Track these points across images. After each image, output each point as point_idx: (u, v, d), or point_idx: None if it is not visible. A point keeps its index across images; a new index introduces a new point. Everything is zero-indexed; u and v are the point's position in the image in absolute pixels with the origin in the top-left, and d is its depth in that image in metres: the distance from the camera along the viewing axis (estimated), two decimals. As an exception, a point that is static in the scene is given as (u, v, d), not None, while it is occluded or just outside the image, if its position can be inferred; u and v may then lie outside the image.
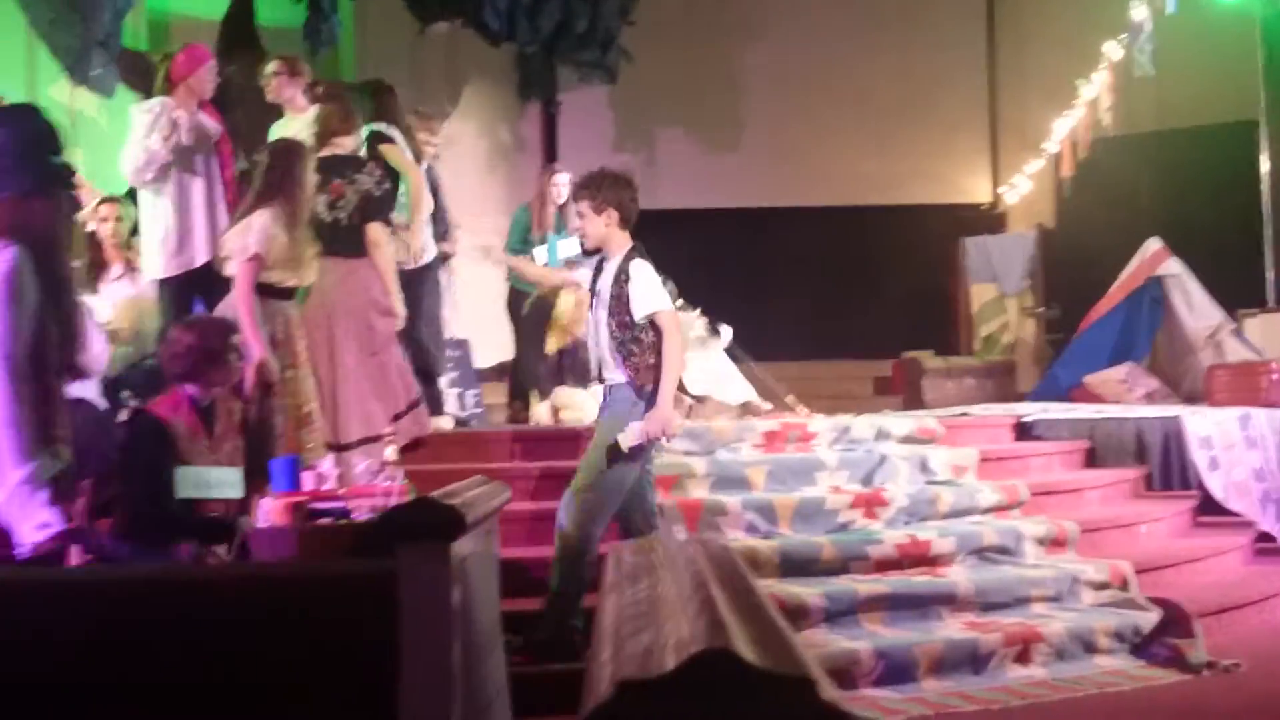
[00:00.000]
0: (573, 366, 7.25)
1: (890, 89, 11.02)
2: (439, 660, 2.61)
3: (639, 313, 4.75)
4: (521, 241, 7.66)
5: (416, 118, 7.25)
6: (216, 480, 4.61)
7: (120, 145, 9.69)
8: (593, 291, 4.96)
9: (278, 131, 6.56)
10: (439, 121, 7.34)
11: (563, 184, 7.54)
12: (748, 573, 1.70)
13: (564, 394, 7.01)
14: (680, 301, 7.48)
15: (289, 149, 5.63)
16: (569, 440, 6.34)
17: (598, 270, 4.97)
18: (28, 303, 3.05)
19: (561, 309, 7.21)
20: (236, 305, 5.24)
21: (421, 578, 2.64)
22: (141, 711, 2.64)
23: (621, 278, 4.79)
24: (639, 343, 4.77)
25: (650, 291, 4.78)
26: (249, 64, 8.60)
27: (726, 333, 7.55)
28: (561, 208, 7.55)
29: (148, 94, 9.03)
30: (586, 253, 5.25)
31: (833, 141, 10.93)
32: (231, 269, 5.35)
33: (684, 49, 10.72)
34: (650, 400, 4.76)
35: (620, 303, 4.78)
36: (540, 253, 7.45)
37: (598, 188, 4.81)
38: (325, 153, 5.90)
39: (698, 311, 7.61)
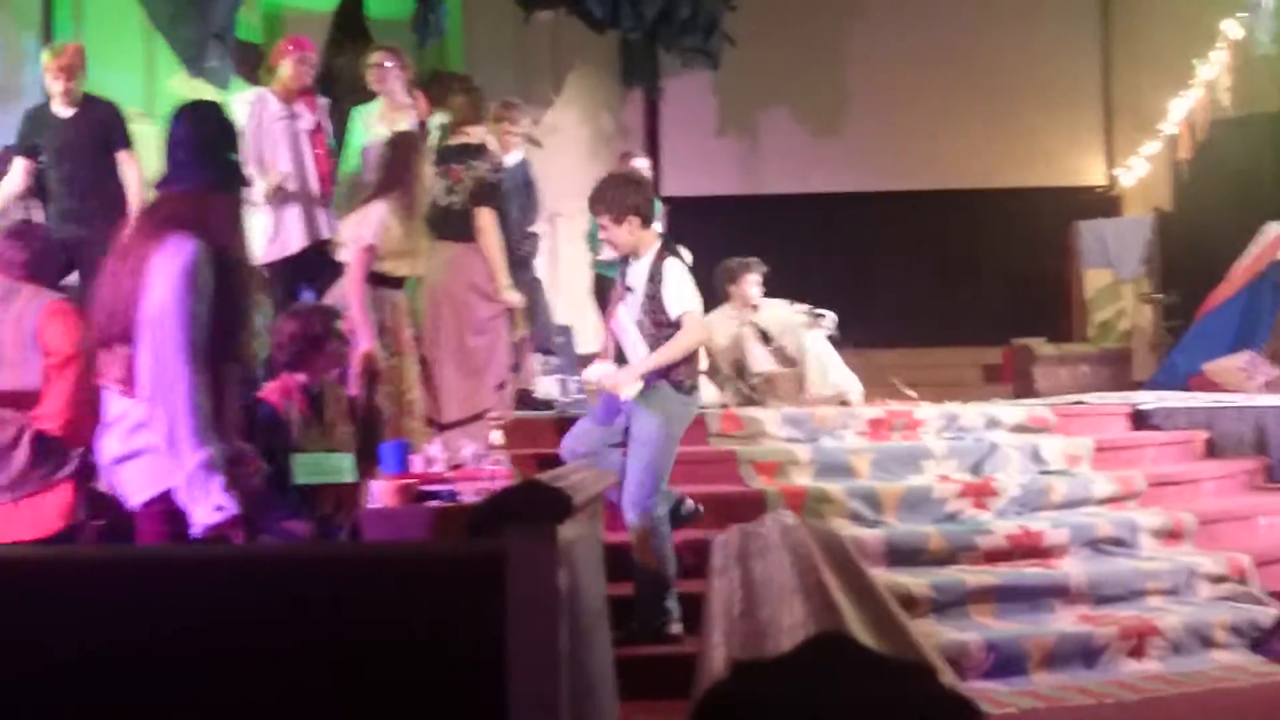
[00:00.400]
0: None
1: (1001, 69, 10.79)
2: (546, 641, 2.62)
3: (674, 311, 4.79)
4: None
5: (500, 107, 7.30)
6: (331, 466, 4.70)
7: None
8: (624, 289, 4.97)
9: (361, 116, 6.67)
10: (520, 110, 7.35)
11: (642, 170, 7.58)
12: (858, 557, 1.68)
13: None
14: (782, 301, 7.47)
15: (408, 142, 5.74)
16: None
17: (623, 267, 5.00)
18: (205, 294, 3.17)
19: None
20: (348, 292, 5.35)
21: (528, 559, 2.65)
22: (253, 685, 2.70)
23: (655, 277, 4.82)
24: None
25: (683, 290, 4.82)
26: (358, 56, 8.76)
27: (830, 319, 7.47)
28: None
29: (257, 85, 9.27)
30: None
31: (941, 123, 10.73)
32: (345, 256, 5.46)
33: (787, 31, 10.62)
34: (688, 391, 4.82)
35: (655, 301, 4.82)
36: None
37: (611, 199, 4.84)
38: (453, 141, 6.01)
39: (798, 305, 7.55)
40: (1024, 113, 10.79)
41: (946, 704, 1.04)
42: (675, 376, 4.81)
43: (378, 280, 5.42)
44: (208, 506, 3.16)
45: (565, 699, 2.68)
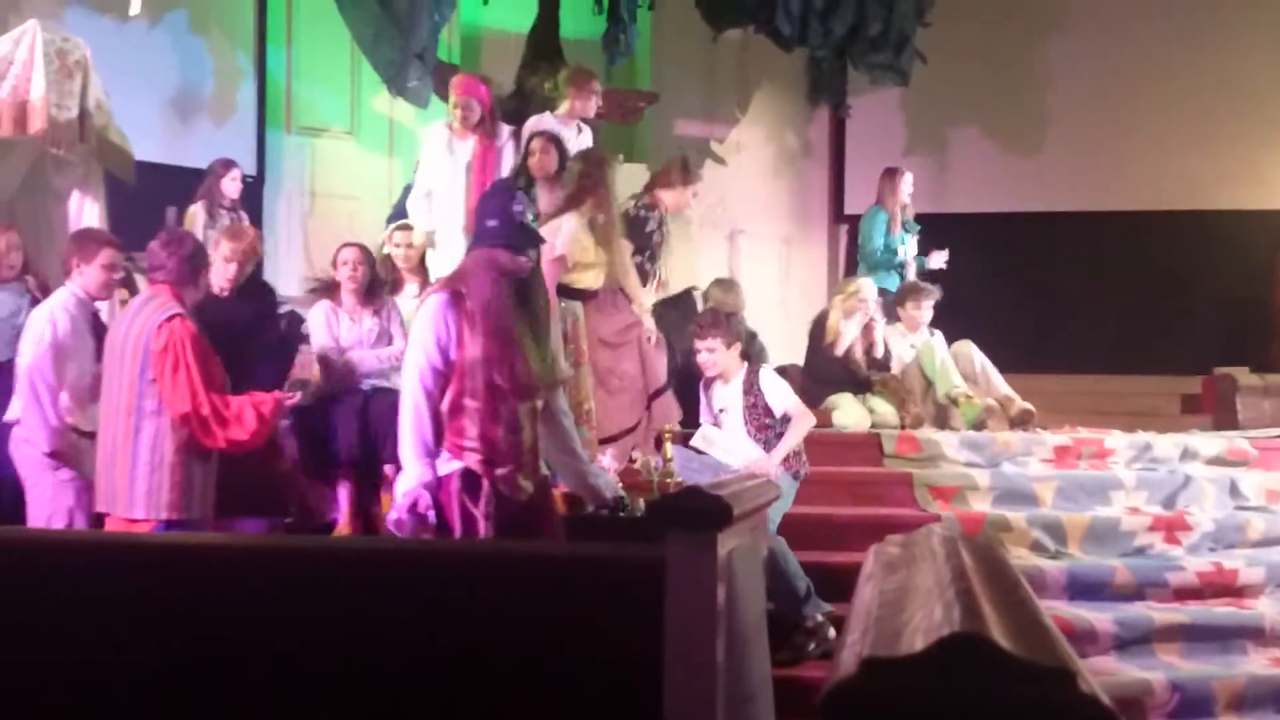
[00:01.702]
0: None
1: (1209, 87, 10.29)
2: (703, 647, 2.63)
3: (779, 409, 5.31)
4: (884, 240, 7.96)
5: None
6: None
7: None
8: (716, 414, 5.40)
9: (535, 125, 6.81)
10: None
11: (909, 184, 8.12)
12: (1015, 570, 1.63)
13: (835, 399, 6.95)
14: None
15: (601, 158, 5.86)
16: (843, 445, 6.30)
17: (707, 396, 5.45)
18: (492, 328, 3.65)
19: (831, 322, 7.14)
20: None
21: (689, 565, 2.67)
22: (412, 675, 2.78)
23: (751, 390, 5.32)
24: (781, 437, 5.28)
25: (783, 393, 5.37)
26: (551, 76, 8.97)
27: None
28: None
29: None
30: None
31: (1141, 143, 10.29)
32: None
33: (981, 47, 10.37)
34: (795, 476, 5.26)
35: (756, 410, 5.31)
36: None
37: (727, 326, 5.34)
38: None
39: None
40: (1234, 132, 10.26)
41: (1085, 709, 1.00)
42: (790, 466, 5.26)
43: (562, 291, 5.53)
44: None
45: (722, 707, 2.68)
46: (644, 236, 6.08)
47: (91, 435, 4.61)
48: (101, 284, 4.89)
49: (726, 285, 6.66)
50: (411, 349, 3.76)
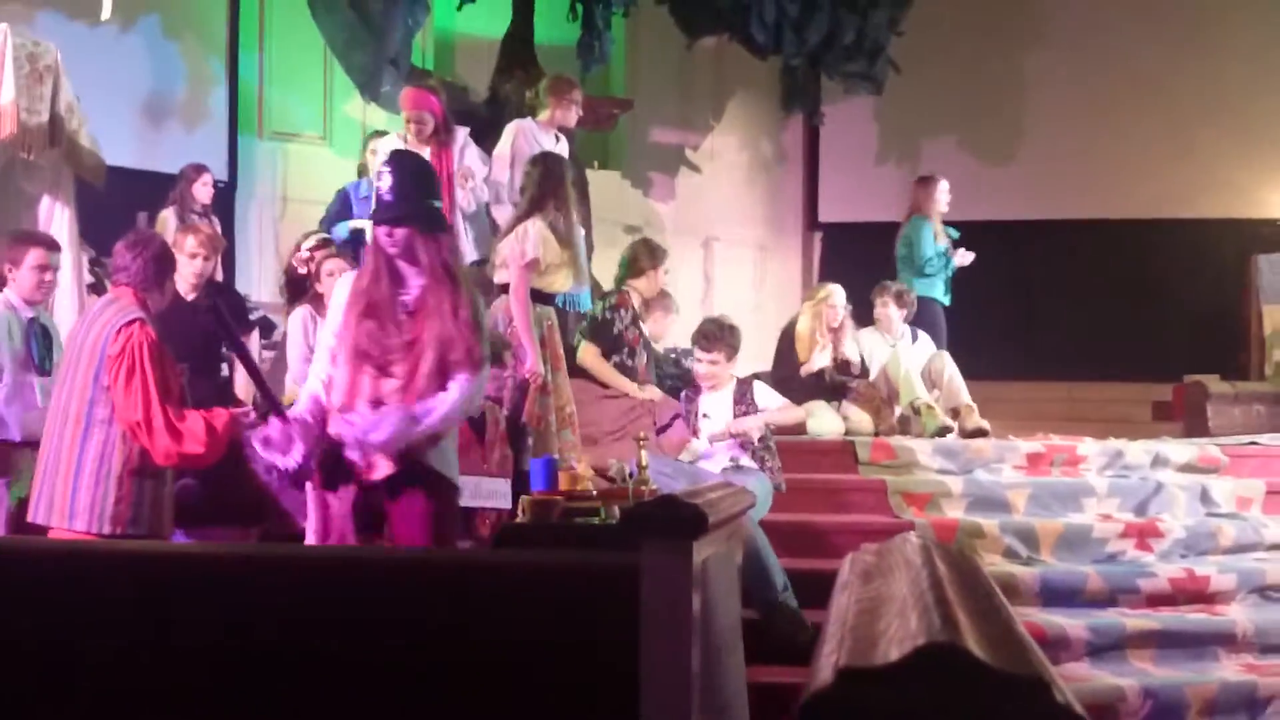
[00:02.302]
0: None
1: (1183, 97, 10.37)
2: (679, 655, 2.62)
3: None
4: (934, 247, 7.97)
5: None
6: (488, 490, 4.78)
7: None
8: (698, 418, 5.47)
9: (510, 134, 6.78)
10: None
11: (945, 191, 8.18)
12: (989, 578, 1.63)
13: (809, 406, 6.95)
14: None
15: (558, 160, 5.85)
16: (816, 452, 6.31)
17: (689, 404, 5.56)
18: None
19: (801, 329, 7.14)
20: (511, 309, 5.43)
21: (663, 574, 2.66)
22: (384, 687, 2.76)
23: (744, 399, 5.45)
24: (770, 450, 5.41)
25: (774, 394, 5.56)
26: (525, 81, 8.96)
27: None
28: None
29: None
30: None
31: (1116, 152, 10.36)
32: (504, 276, 5.55)
33: (955, 56, 10.42)
34: (775, 486, 5.31)
35: (749, 415, 5.40)
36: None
37: (730, 339, 5.48)
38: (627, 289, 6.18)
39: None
40: (1204, 142, 10.36)
41: (1060, 719, 1.00)
42: (772, 475, 5.33)
43: (534, 296, 5.51)
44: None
45: (697, 716, 2.67)
46: (615, 338, 6.03)
47: (18, 444, 4.47)
48: (33, 286, 4.67)
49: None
50: None
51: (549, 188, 5.59)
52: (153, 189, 7.54)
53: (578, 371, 5.92)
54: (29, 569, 2.99)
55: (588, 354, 6.00)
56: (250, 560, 3.20)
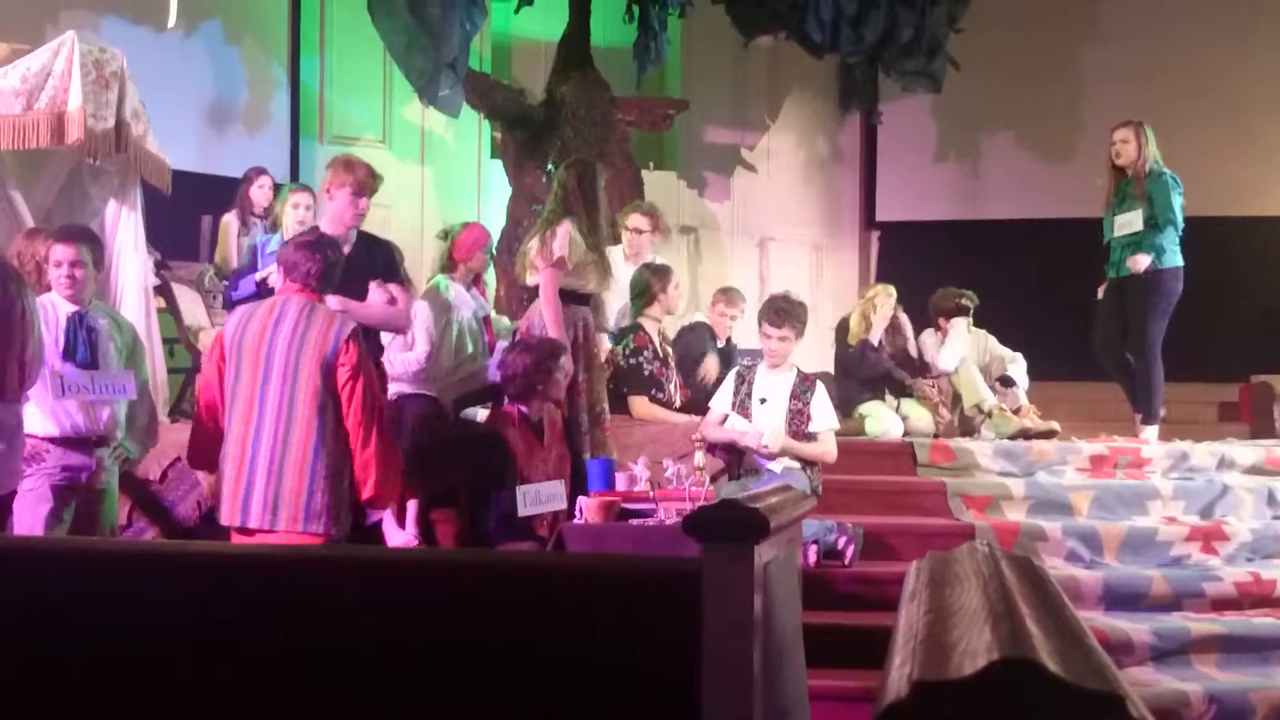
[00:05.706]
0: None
1: (1251, 92, 10.18)
2: (741, 660, 2.62)
3: (818, 426, 5.46)
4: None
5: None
6: (546, 495, 4.84)
7: (465, 164, 10.30)
8: (745, 397, 5.49)
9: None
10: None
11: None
12: (1058, 588, 1.62)
13: (866, 406, 6.93)
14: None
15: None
16: (875, 454, 6.28)
17: (740, 384, 5.54)
18: None
19: (854, 324, 7.14)
20: (544, 311, 5.48)
21: (725, 578, 2.66)
22: (443, 687, 2.79)
23: (802, 394, 5.45)
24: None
25: (829, 410, 5.53)
26: (581, 84, 8.99)
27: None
28: None
29: (490, 114, 9.50)
30: None
31: (1180, 147, 10.16)
32: (535, 279, 5.60)
33: (1014, 53, 10.30)
34: (813, 491, 5.25)
35: (799, 416, 5.44)
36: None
37: (800, 315, 5.51)
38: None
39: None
40: (1268, 137, 10.16)
41: (1136, 737, 0.99)
42: (813, 476, 5.40)
43: (566, 297, 5.56)
44: None
45: (759, 716, 2.67)
46: (648, 380, 6.26)
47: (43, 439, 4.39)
48: (57, 281, 4.57)
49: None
50: None
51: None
52: (216, 193, 7.66)
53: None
54: (92, 570, 3.04)
55: (639, 406, 6.21)
56: (308, 561, 3.24)
